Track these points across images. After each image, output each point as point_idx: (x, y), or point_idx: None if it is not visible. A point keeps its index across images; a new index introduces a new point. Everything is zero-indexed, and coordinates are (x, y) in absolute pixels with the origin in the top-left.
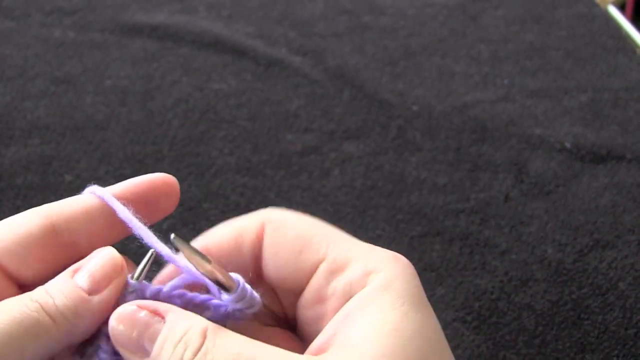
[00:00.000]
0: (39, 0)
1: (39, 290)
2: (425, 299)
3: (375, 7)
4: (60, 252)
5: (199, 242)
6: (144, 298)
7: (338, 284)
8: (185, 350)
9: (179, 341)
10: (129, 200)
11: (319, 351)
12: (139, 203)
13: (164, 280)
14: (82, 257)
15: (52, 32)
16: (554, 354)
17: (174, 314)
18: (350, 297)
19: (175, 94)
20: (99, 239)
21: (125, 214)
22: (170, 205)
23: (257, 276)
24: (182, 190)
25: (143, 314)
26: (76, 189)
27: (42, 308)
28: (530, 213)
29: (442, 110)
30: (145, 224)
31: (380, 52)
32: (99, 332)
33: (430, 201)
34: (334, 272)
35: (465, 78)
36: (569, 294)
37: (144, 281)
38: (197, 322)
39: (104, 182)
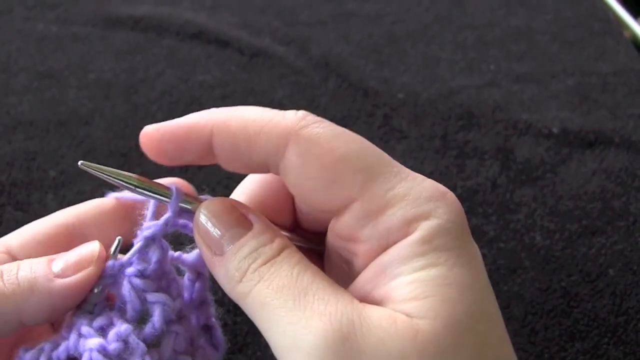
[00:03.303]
0: None
1: (13, 263)
2: (471, 246)
3: None
4: (70, 243)
5: None
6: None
7: (374, 231)
8: (255, 260)
9: (254, 251)
10: None
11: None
12: None
13: None
14: None
15: (35, 26)
16: (543, 343)
17: (260, 224)
18: (388, 247)
19: (159, 86)
20: (108, 230)
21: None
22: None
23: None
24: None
25: (233, 215)
26: (61, 185)
27: (2, 274)
28: (518, 200)
29: (427, 97)
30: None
31: (365, 40)
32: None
33: None
34: (368, 216)
35: (451, 64)
36: (558, 282)
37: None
38: (278, 240)
39: (88, 177)
